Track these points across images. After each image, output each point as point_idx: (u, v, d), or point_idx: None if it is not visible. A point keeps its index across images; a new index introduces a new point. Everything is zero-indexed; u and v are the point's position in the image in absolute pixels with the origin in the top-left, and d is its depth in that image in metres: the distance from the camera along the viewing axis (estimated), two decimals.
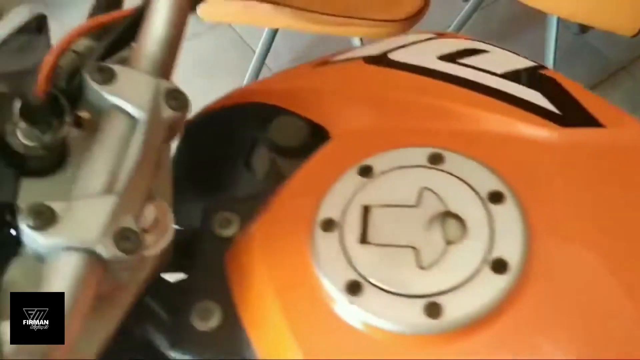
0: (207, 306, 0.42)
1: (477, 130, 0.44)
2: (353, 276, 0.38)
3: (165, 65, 0.41)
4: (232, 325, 0.41)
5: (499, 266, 0.36)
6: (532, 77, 0.48)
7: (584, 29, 1.64)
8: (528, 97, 0.45)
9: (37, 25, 0.47)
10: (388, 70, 0.50)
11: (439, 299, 0.36)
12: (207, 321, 0.42)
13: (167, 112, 0.39)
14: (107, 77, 0.38)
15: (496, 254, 0.37)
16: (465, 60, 0.49)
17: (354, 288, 0.37)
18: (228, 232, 0.45)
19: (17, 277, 0.37)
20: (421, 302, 0.36)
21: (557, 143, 0.42)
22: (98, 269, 0.34)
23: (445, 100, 0.46)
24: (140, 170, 0.36)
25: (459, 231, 0.38)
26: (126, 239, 0.34)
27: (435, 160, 0.41)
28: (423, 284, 0.36)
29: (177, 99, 0.40)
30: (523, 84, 0.46)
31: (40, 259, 0.34)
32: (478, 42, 0.52)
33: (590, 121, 0.43)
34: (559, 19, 1.43)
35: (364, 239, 0.39)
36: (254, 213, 0.44)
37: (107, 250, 0.34)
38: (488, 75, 0.47)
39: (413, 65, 0.49)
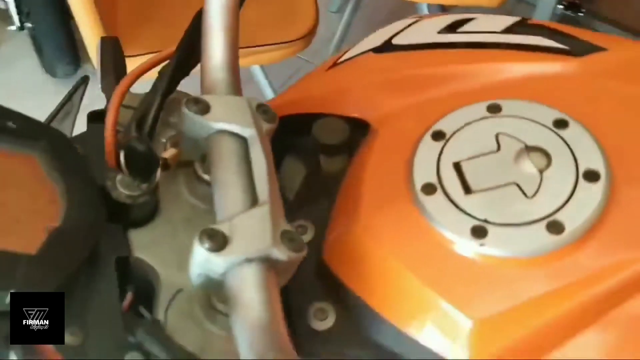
0: (323, 307, 0.44)
1: (507, 78, 0.49)
2: (474, 222, 0.41)
3: (238, 84, 0.43)
4: (346, 323, 0.43)
5: (591, 176, 0.42)
6: (525, 26, 0.55)
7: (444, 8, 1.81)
8: (535, 42, 0.51)
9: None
10: (400, 54, 0.54)
11: (556, 217, 0.41)
12: (324, 321, 0.44)
13: (265, 125, 0.41)
14: (204, 107, 0.40)
15: (584, 167, 0.42)
16: (463, 29, 0.55)
17: (479, 232, 0.41)
18: (306, 237, 0.47)
19: (178, 321, 0.37)
20: (543, 224, 0.40)
21: (581, 70, 0.49)
22: (275, 273, 0.35)
23: (464, 64, 0.51)
24: (271, 177, 0.38)
25: (544, 159, 0.43)
26: (291, 240, 0.36)
27: (494, 109, 0.46)
28: (538, 209, 0.41)
29: (267, 112, 0.42)
30: (523, 34, 0.53)
31: (209, 285, 0.36)
32: (461, 14, 0.58)
33: (594, 48, 0.50)
34: (428, 5, 1.57)
35: (468, 190, 0.43)
36: (326, 213, 0.46)
37: (281, 253, 0.35)
38: (490, 34, 0.53)
39: (420, 43, 0.55)
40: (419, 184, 0.44)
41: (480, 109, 0.46)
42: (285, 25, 1.31)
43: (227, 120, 0.39)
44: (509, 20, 0.55)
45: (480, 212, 0.42)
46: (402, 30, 0.57)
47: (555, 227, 0.40)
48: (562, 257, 0.40)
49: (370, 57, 0.56)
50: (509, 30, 0.54)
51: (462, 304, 0.40)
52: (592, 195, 0.41)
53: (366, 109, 0.51)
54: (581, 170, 0.42)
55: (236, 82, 0.43)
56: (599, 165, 0.42)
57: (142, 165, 0.40)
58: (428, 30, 0.56)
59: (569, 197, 0.41)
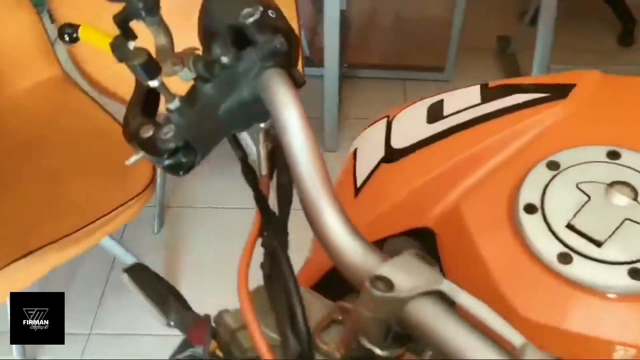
0: None
1: (523, 143, 0.54)
2: (564, 249, 0.44)
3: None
4: None
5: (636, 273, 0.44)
6: (495, 91, 0.61)
7: None
8: (518, 101, 0.57)
9: None
10: (415, 155, 0.57)
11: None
12: None
13: None
14: (388, 283, 0.37)
15: None
16: (446, 112, 0.60)
17: (564, 258, 0.44)
18: None
19: None
20: (625, 268, 0.43)
21: (579, 108, 0.55)
22: None
23: (478, 142, 0.55)
24: None
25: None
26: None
27: (614, 155, 0.50)
28: (624, 253, 0.44)
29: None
30: (500, 98, 0.59)
31: None
32: (424, 99, 0.63)
33: (566, 87, 0.57)
34: None
35: (569, 223, 0.45)
36: None
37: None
38: (474, 109, 0.59)
39: (423, 139, 0.58)
40: (522, 202, 0.48)
41: (601, 151, 0.51)
42: (124, 185, 1.30)
43: (417, 288, 0.37)
44: (474, 90, 0.61)
45: (570, 241, 0.45)
46: (389, 132, 0.61)
47: (635, 274, 0.43)
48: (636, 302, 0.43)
49: (388, 169, 0.58)
50: (485, 99, 0.59)
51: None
52: None
53: (423, 216, 0.53)
54: None
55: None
56: None
57: None
58: (417, 124, 0.60)
59: None
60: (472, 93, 0.61)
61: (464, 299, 0.37)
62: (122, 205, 1.28)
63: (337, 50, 1.83)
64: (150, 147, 0.42)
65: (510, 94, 0.58)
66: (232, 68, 0.43)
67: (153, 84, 0.41)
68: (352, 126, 2.22)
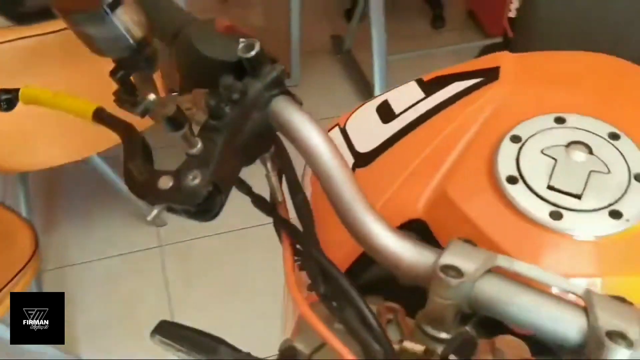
0: None
1: (480, 124, 0.60)
2: (553, 208, 0.50)
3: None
4: None
5: (616, 215, 0.51)
6: (432, 84, 0.66)
7: None
8: (459, 88, 0.63)
9: None
10: (385, 157, 0.61)
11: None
12: None
13: None
14: (457, 270, 0.40)
15: (635, 170, 0.53)
16: (397, 111, 0.64)
17: (556, 215, 0.50)
18: None
19: None
20: (605, 212, 0.51)
21: (514, 88, 0.62)
22: None
23: (440, 131, 0.60)
24: None
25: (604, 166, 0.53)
26: None
27: (560, 121, 0.57)
28: (600, 200, 0.51)
29: None
30: (441, 89, 0.64)
31: None
32: (367, 103, 0.67)
33: (492, 70, 0.64)
34: None
35: (548, 185, 0.51)
36: None
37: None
38: (423, 102, 0.64)
39: (386, 139, 0.62)
40: (503, 175, 0.53)
41: (548, 120, 0.57)
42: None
43: (478, 266, 0.41)
44: (413, 86, 0.67)
45: (558, 201, 0.51)
46: (348, 139, 0.64)
47: (615, 215, 0.50)
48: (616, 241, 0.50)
49: (364, 172, 0.61)
50: (428, 92, 0.65)
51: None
52: None
53: (412, 209, 0.56)
54: (634, 172, 0.53)
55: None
56: None
57: None
58: (374, 126, 0.63)
59: (626, 189, 0.52)
60: (413, 89, 0.66)
61: (520, 266, 0.42)
62: (8, 283, 1.17)
63: None
64: (176, 197, 0.41)
65: (449, 83, 0.64)
66: (241, 103, 0.43)
67: (179, 133, 0.40)
68: None
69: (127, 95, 0.42)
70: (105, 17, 0.37)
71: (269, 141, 0.47)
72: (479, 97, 0.62)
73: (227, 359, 0.45)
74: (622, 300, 0.40)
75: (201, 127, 0.43)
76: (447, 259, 0.41)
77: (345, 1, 2.75)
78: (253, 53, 0.43)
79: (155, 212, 0.42)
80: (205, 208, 0.42)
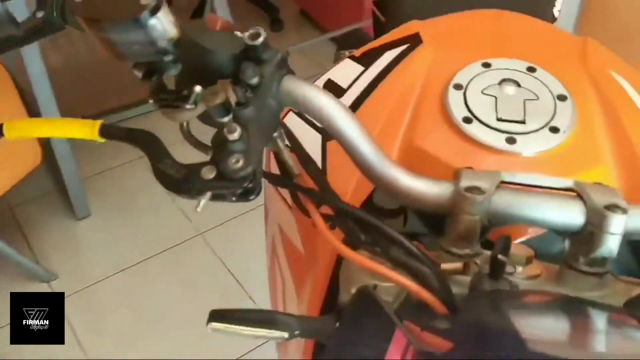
0: None
1: (423, 81, 0.68)
2: (507, 135, 0.60)
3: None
4: None
5: (555, 129, 0.62)
6: (366, 56, 0.73)
7: None
8: (393, 56, 0.71)
9: None
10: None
11: (515, 136, 0.61)
12: None
13: None
14: (477, 189, 0.48)
15: (557, 93, 0.64)
16: (344, 86, 0.71)
17: (511, 140, 0.60)
18: None
19: None
20: (545, 129, 0.61)
21: (445, 46, 0.71)
22: None
23: (391, 94, 0.68)
24: None
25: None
26: None
27: (487, 65, 0.66)
28: (539, 121, 0.62)
29: None
30: (376, 59, 0.72)
31: None
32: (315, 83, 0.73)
33: (414, 37, 0.73)
34: None
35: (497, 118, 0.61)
36: None
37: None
38: (365, 74, 0.71)
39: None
40: (453, 82, 0.63)
41: (520, 65, 0.66)
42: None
43: (491, 183, 0.49)
44: (349, 63, 0.73)
45: (475, 110, 0.62)
46: (306, 118, 0.69)
47: (511, 141, 0.61)
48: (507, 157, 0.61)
49: (334, 144, 0.66)
50: (365, 65, 0.72)
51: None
52: (547, 140, 0.61)
53: None
54: (550, 125, 0.62)
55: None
56: (565, 126, 0.62)
57: None
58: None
59: (531, 132, 0.62)
60: (350, 65, 0.73)
61: (521, 177, 0.50)
62: None
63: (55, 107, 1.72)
64: (223, 183, 0.44)
65: (381, 54, 0.72)
66: (260, 87, 0.46)
67: (227, 119, 0.43)
68: (97, 181, 2.12)
69: (167, 94, 0.44)
70: (147, 22, 0.39)
71: (277, 122, 0.50)
72: (414, 60, 0.70)
73: (287, 324, 0.48)
74: (601, 184, 0.50)
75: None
76: (467, 182, 0.48)
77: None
78: (261, 39, 0.46)
79: (203, 201, 0.44)
80: (251, 188, 0.45)
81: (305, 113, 0.49)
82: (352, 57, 0.75)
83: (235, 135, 0.44)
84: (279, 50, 0.48)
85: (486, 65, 0.68)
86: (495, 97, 0.64)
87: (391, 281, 0.46)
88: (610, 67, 0.71)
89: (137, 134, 0.48)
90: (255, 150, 0.45)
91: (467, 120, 0.62)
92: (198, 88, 0.44)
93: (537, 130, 0.61)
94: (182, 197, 0.46)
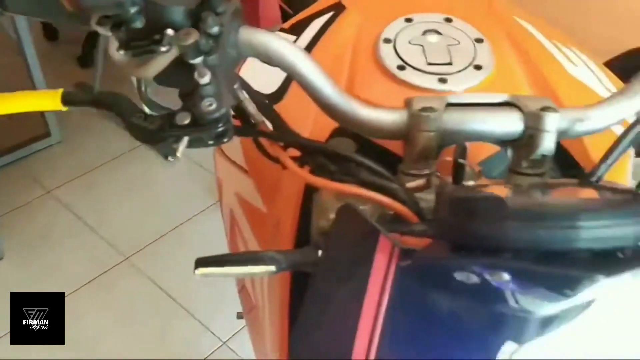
0: None
1: (355, 39, 0.73)
2: (439, 76, 0.67)
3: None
4: None
5: (478, 67, 0.69)
6: (296, 27, 0.77)
7: None
8: (321, 23, 0.76)
9: None
10: (293, 89, 0.70)
11: (445, 76, 0.68)
12: None
13: None
14: (430, 109, 0.53)
15: (473, 37, 0.71)
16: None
17: (442, 81, 0.67)
18: None
19: None
20: (471, 67, 0.68)
21: (368, 8, 0.76)
22: None
23: (327, 53, 0.72)
24: None
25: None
26: None
27: (409, 20, 0.72)
28: (463, 61, 0.69)
29: None
30: (306, 28, 0.76)
31: None
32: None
33: (337, 5, 0.78)
34: None
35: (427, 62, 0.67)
36: None
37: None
38: (299, 41, 0.75)
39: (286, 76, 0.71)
40: (383, 37, 0.69)
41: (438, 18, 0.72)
42: None
43: (442, 102, 0.54)
44: (281, 34, 0.77)
45: (408, 59, 0.69)
46: (248, 86, 0.72)
47: (442, 81, 0.68)
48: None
49: (281, 107, 0.69)
50: (297, 33, 0.76)
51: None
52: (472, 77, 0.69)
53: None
54: (474, 63, 0.69)
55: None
56: (486, 64, 0.70)
57: None
58: (266, 71, 0.72)
59: (457, 72, 0.69)
60: (282, 37, 0.76)
61: (464, 97, 0.56)
62: None
63: None
64: (199, 126, 0.46)
65: (309, 22, 0.76)
66: (220, 36, 0.48)
67: (198, 60, 0.45)
68: (6, 220, 2.02)
69: (140, 40, 0.45)
70: None
71: (235, 73, 0.53)
72: (341, 24, 0.75)
73: (273, 259, 0.50)
74: (532, 96, 0.57)
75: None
76: (420, 104, 0.53)
77: (76, 49, 2.69)
78: None
79: (182, 147, 0.46)
80: (225, 130, 0.47)
81: (265, 61, 0.52)
82: (283, 30, 0.78)
83: (206, 79, 0.46)
84: (233, 2, 0.51)
85: (408, 20, 0.74)
86: (422, 45, 0.70)
87: (366, 198, 0.50)
88: (513, 13, 0.79)
89: (103, 96, 0.49)
90: (225, 93, 0.47)
91: (401, 67, 0.67)
92: (170, 30, 0.45)
93: (463, 69, 0.68)
94: (159, 149, 0.47)
